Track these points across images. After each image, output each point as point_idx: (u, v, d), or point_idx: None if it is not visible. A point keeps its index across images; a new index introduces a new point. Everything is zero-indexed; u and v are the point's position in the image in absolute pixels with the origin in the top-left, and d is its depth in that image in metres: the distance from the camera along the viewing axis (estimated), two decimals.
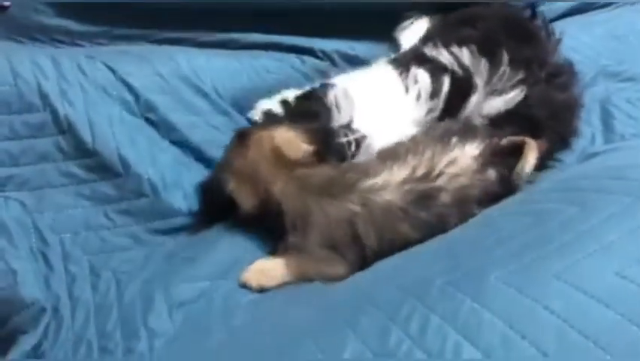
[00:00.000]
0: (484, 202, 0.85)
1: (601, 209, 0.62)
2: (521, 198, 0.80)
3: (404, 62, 1.06)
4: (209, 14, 1.35)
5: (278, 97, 1.12)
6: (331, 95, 0.98)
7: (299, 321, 0.71)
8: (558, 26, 1.21)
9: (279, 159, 0.89)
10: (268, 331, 0.73)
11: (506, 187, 0.86)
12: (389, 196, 0.83)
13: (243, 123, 1.13)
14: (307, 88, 1.07)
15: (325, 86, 1.02)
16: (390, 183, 0.84)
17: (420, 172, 0.84)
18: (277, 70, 1.24)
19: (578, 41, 1.31)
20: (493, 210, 0.80)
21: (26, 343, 0.80)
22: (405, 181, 0.84)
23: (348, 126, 0.96)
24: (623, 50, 1.32)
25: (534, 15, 1.16)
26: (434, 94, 0.99)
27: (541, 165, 0.98)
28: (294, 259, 0.85)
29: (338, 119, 0.96)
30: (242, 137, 0.94)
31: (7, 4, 1.44)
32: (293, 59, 1.27)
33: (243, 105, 1.16)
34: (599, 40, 1.34)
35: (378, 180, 0.84)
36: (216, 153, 1.04)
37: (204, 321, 0.81)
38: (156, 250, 0.93)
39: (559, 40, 1.13)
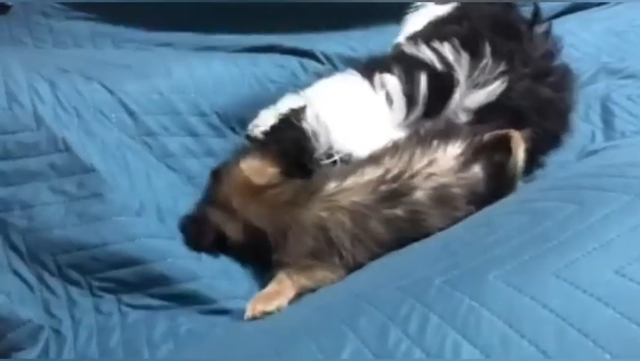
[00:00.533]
0: (476, 201, 0.86)
1: (600, 207, 0.61)
2: (520, 196, 0.80)
3: (371, 68, 1.05)
4: (208, 14, 1.36)
5: (278, 106, 1.12)
6: (306, 124, 0.98)
7: (298, 321, 0.71)
8: (558, 23, 1.21)
9: (250, 187, 0.93)
10: (267, 331, 0.73)
11: (496, 184, 0.87)
12: (355, 197, 0.85)
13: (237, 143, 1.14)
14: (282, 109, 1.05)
15: (298, 112, 1.01)
16: (358, 184, 0.86)
17: (392, 173, 0.85)
18: (279, 77, 1.24)
19: (577, 38, 1.31)
20: (491, 209, 0.80)
21: (22, 358, 0.79)
22: (373, 181, 0.85)
23: (330, 149, 0.96)
24: (624, 47, 1.32)
25: (536, 17, 1.15)
26: (410, 93, 0.98)
27: (531, 158, 0.98)
28: (285, 277, 0.85)
29: (320, 147, 0.96)
30: (215, 174, 0.98)
31: (9, 3, 1.45)
32: (294, 63, 1.27)
33: (244, 116, 1.16)
34: (599, 37, 1.35)
35: (347, 183, 0.86)
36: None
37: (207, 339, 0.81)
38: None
39: (554, 41, 1.12)
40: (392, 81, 1.00)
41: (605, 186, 0.66)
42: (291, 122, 1.00)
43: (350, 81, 1.06)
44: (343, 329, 0.59)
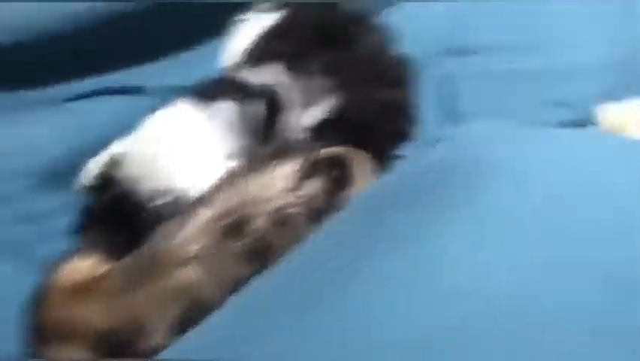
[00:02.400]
0: (316, 218, 0.79)
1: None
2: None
3: (207, 95, 0.97)
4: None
5: (105, 154, 1.02)
6: (126, 169, 0.89)
7: None
8: (396, 8, 1.18)
9: (74, 288, 0.77)
10: None
11: (334, 199, 0.82)
12: (202, 242, 0.76)
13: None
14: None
15: (112, 163, 0.91)
16: (198, 228, 0.77)
17: (227, 207, 0.78)
18: (108, 120, 1.12)
19: (417, 22, 1.27)
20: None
21: None
22: (212, 220, 0.77)
23: (160, 189, 0.87)
24: (466, 25, 1.30)
25: (364, 11, 1.11)
26: (247, 120, 0.93)
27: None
28: None
29: (146, 190, 0.87)
30: (29, 308, 0.78)
31: None
32: (124, 103, 1.17)
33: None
34: (439, 18, 1.32)
35: (188, 231, 0.77)
36: None
37: None
38: None
39: (388, 36, 1.08)
40: (228, 108, 0.94)
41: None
42: (107, 175, 0.91)
43: (180, 112, 0.98)
44: None
